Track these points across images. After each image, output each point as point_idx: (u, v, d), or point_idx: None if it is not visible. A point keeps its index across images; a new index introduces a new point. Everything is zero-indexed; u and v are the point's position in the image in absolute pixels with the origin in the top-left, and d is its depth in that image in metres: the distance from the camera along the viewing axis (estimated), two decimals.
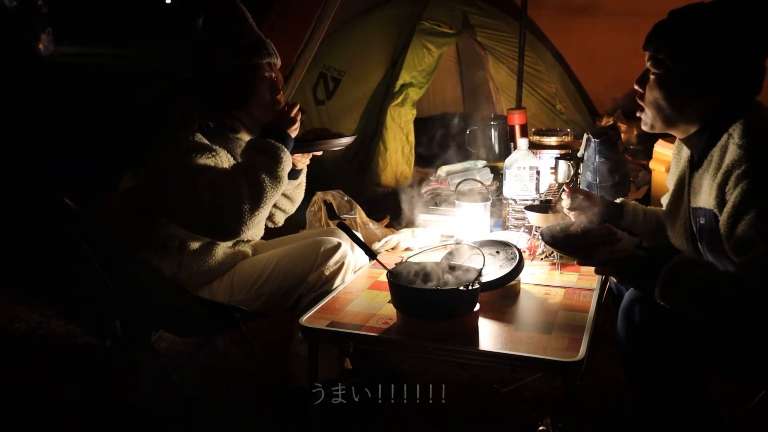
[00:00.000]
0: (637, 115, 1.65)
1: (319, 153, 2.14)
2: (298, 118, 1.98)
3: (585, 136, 2.63)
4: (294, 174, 2.13)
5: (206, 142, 1.91)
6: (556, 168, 2.58)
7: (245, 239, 1.99)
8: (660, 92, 1.55)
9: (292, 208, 2.25)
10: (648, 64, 1.57)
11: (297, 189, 2.22)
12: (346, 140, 2.14)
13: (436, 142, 3.31)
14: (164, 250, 1.93)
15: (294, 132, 1.97)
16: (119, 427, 2.16)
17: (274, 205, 2.16)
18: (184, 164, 1.82)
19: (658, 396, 1.56)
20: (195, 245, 1.95)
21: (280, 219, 2.25)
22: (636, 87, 1.61)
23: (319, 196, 2.56)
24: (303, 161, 2.14)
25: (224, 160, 1.92)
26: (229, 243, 2.01)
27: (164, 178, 1.86)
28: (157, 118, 1.94)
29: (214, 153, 1.89)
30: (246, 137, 2.03)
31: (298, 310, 1.97)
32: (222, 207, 1.78)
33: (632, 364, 1.61)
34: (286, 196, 2.19)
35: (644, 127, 1.64)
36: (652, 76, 1.57)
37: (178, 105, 1.92)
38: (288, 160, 1.90)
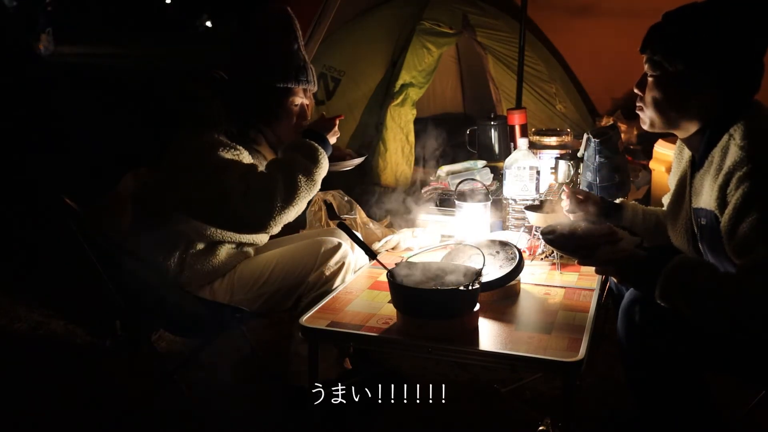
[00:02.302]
0: (637, 112, 1.65)
1: None
2: (336, 125, 2.00)
3: (585, 136, 2.62)
4: None
5: (228, 141, 1.90)
6: (556, 168, 2.58)
7: (270, 233, 1.97)
8: (659, 93, 1.56)
9: (292, 217, 2.24)
10: (645, 67, 1.58)
11: None
12: (356, 161, 2.16)
13: (436, 142, 3.30)
14: (170, 250, 1.93)
15: (333, 138, 1.99)
16: (120, 427, 2.16)
17: None
18: (209, 160, 1.81)
19: (658, 396, 1.56)
20: (200, 245, 1.95)
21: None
22: (635, 90, 1.62)
23: (319, 196, 2.56)
24: None
25: (246, 159, 1.90)
26: (234, 243, 2.00)
27: (188, 175, 1.84)
28: (178, 118, 1.93)
29: (238, 151, 1.88)
30: (266, 151, 2.04)
31: (298, 310, 1.97)
32: (254, 200, 1.78)
33: (632, 364, 1.62)
34: None
35: (644, 126, 1.64)
36: (650, 79, 1.57)
37: (204, 105, 1.90)
38: (325, 165, 1.91)
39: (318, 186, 1.91)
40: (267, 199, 1.79)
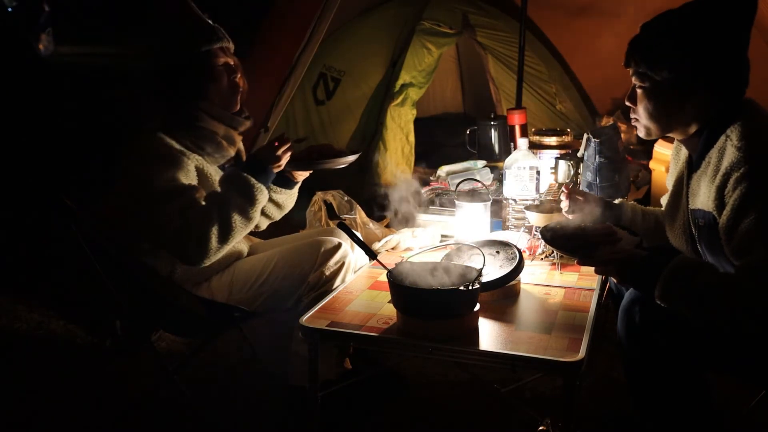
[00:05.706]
0: (633, 124, 1.66)
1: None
2: (285, 157, 1.96)
3: (585, 136, 2.63)
4: (290, 184, 2.13)
5: (171, 144, 1.89)
6: (556, 168, 2.58)
7: (205, 266, 1.94)
8: (651, 104, 1.56)
9: (279, 215, 2.22)
10: (633, 79, 1.58)
11: (289, 198, 2.19)
12: (350, 158, 2.13)
13: (436, 142, 3.30)
14: (157, 249, 1.93)
15: (277, 169, 1.96)
16: (119, 427, 2.16)
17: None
18: (153, 182, 1.81)
19: (658, 396, 1.56)
20: None
21: (264, 224, 2.22)
22: (627, 103, 1.63)
23: (319, 196, 2.56)
24: (303, 175, 2.14)
25: (191, 162, 1.90)
26: None
27: (134, 194, 1.86)
28: (119, 121, 1.94)
29: (180, 160, 1.87)
30: (212, 124, 1.97)
31: (298, 310, 1.97)
32: (188, 239, 1.79)
33: (632, 364, 1.62)
34: (277, 203, 2.16)
35: (641, 135, 1.65)
36: (639, 90, 1.58)
37: (135, 105, 1.91)
38: (263, 199, 1.90)
39: (255, 221, 1.90)
40: (202, 240, 1.79)
